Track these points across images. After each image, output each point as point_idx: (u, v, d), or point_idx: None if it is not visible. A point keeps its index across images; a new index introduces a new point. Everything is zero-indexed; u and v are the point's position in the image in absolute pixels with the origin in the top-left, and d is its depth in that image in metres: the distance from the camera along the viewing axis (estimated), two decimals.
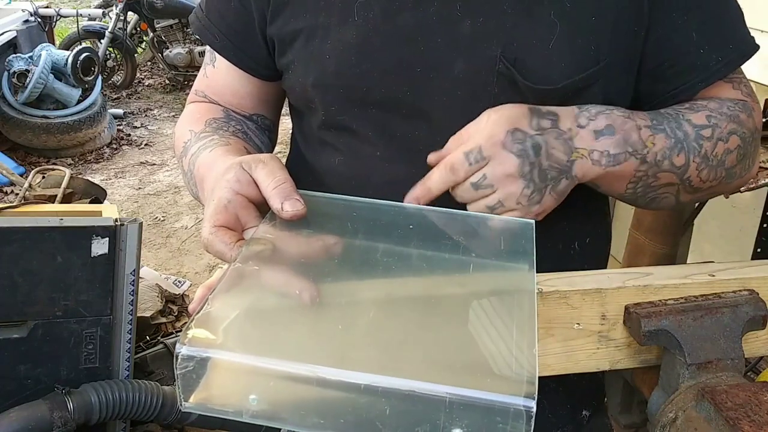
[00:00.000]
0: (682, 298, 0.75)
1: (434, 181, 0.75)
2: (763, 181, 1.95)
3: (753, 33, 0.87)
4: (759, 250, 2.33)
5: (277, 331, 0.59)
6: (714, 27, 0.85)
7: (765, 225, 2.31)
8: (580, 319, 0.74)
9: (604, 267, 0.98)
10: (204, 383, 0.53)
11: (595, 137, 0.77)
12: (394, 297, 0.65)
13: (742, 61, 0.87)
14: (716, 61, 0.85)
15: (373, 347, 0.58)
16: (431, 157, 0.78)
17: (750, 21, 0.88)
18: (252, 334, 0.58)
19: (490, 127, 0.74)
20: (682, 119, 0.83)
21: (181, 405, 0.55)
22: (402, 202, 0.77)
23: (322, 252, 0.68)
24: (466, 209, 0.76)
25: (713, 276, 0.77)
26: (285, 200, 0.67)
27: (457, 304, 0.65)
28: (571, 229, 0.90)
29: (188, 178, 0.88)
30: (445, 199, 0.76)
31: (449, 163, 0.74)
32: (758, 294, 0.75)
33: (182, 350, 0.53)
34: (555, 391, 0.88)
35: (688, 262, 2.49)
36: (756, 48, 0.88)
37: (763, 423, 0.63)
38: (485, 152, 0.73)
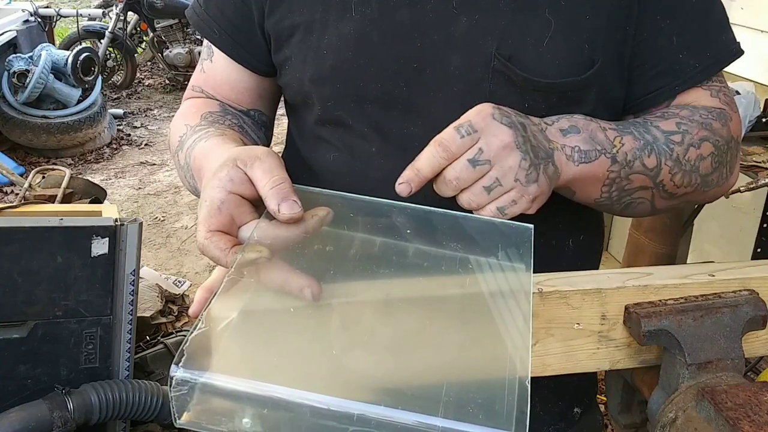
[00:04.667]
0: (682, 298, 0.75)
1: (424, 161, 0.71)
2: (763, 181, 1.95)
3: (753, 33, 0.86)
4: (759, 250, 2.33)
5: (274, 350, 0.58)
6: (694, 32, 0.85)
7: (765, 225, 2.31)
8: (580, 319, 0.74)
9: (597, 264, 0.99)
10: (198, 403, 0.53)
11: (563, 134, 0.78)
12: (392, 298, 0.65)
13: (720, 67, 0.87)
14: (693, 67, 0.85)
15: (372, 354, 0.58)
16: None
17: (750, 21, 0.87)
18: (248, 354, 0.58)
19: (476, 108, 0.73)
20: (650, 126, 0.83)
21: (175, 422, 0.55)
22: (398, 198, 0.76)
23: (317, 225, 0.67)
24: (455, 208, 0.74)
25: (713, 276, 0.77)
26: (282, 202, 0.65)
27: (455, 306, 0.65)
28: (565, 226, 0.90)
29: (185, 172, 0.88)
30: (436, 198, 0.75)
31: (439, 139, 0.71)
32: (758, 294, 0.75)
33: (177, 373, 0.52)
34: (546, 388, 0.88)
35: (688, 262, 2.49)
36: (737, 54, 0.88)
37: (763, 423, 0.63)
38: (476, 125, 0.70)
